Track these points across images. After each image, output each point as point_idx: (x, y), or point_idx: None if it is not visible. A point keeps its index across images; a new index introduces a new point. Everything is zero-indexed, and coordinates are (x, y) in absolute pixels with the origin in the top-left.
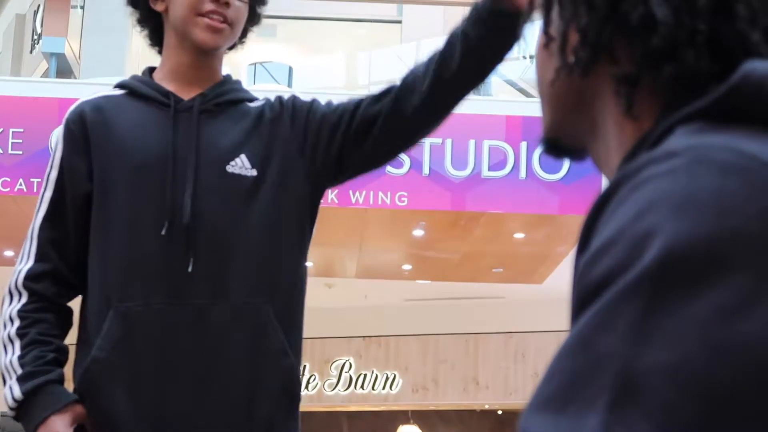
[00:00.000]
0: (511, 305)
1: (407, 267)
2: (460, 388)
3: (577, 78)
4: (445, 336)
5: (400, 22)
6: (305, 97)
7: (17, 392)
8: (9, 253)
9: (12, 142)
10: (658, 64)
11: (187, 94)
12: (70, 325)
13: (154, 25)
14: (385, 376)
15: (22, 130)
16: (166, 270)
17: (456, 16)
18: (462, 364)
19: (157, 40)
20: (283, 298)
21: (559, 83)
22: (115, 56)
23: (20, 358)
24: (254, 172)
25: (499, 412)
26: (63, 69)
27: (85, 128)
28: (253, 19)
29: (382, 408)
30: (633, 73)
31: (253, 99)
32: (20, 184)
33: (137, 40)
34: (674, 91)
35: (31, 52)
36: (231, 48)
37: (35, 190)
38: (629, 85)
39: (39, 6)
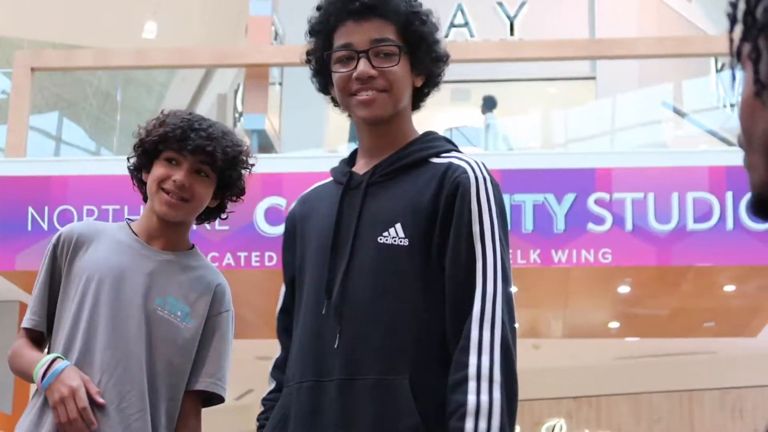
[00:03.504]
0: (725, 360)
1: (614, 325)
2: None
3: None
4: (658, 394)
5: (594, 78)
6: (474, 193)
7: None
8: None
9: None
10: None
11: (369, 167)
12: None
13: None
14: None
15: None
16: (318, 348)
17: (651, 69)
18: (677, 423)
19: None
20: (426, 373)
21: None
22: (314, 130)
23: None
24: (406, 242)
25: None
26: (264, 144)
27: (294, 222)
28: (425, 83)
29: None
30: None
31: (442, 152)
32: (228, 259)
33: (335, 113)
34: None
35: (233, 129)
36: (414, 109)
37: (242, 264)
38: None
39: (239, 85)
